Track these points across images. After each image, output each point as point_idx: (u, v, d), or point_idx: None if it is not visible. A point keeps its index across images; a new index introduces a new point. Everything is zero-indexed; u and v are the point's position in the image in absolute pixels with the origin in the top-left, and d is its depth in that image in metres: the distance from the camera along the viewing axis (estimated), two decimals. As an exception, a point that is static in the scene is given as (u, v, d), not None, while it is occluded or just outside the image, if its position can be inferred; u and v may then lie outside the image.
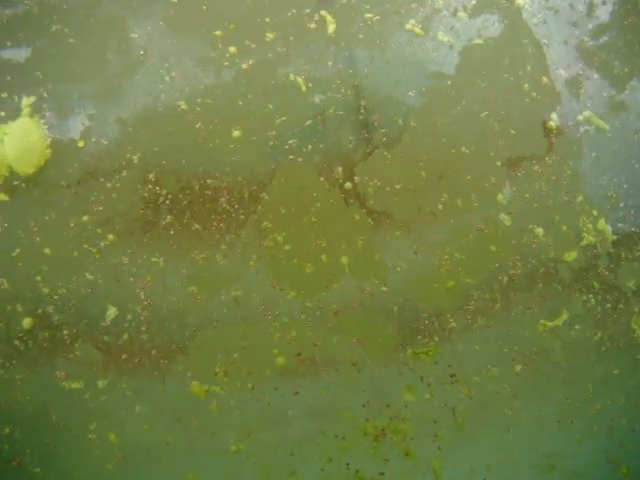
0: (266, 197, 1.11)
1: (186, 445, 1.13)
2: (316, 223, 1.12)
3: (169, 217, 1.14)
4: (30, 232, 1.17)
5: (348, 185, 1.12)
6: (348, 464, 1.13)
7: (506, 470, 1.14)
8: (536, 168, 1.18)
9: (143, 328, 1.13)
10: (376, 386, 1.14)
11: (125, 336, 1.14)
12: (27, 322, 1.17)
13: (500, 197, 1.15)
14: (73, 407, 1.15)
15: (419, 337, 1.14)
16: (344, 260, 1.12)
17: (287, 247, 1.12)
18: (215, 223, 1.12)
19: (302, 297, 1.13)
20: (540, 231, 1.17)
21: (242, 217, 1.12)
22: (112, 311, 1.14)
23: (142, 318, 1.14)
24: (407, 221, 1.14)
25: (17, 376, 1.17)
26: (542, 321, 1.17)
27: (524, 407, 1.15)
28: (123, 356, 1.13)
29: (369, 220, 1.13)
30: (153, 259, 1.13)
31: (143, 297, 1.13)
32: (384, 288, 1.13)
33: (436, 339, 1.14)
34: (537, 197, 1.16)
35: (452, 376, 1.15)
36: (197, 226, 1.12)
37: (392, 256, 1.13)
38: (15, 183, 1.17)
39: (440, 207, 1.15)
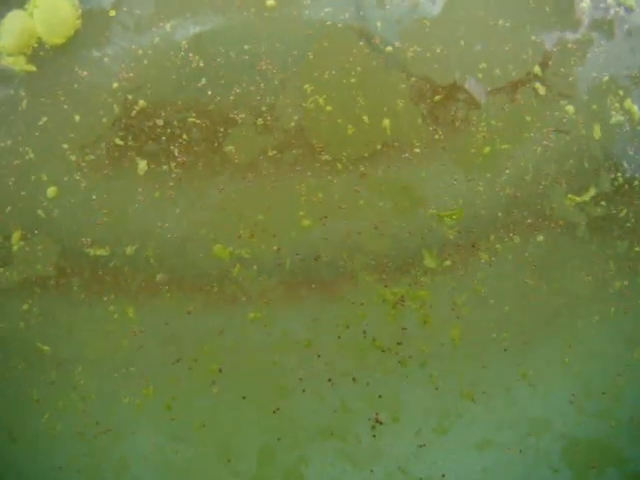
0: (310, 57, 1.10)
1: (205, 312, 1.07)
2: (357, 85, 1.11)
3: (204, 80, 1.12)
4: (58, 101, 1.14)
5: (389, 49, 1.12)
6: (365, 332, 1.08)
7: (524, 337, 1.09)
8: (570, 45, 1.19)
9: (171, 184, 1.10)
10: (398, 248, 1.10)
11: (157, 193, 1.10)
12: (52, 191, 1.13)
13: (537, 69, 1.16)
14: (95, 277, 1.09)
15: (446, 198, 1.11)
16: (386, 123, 1.11)
17: (329, 108, 1.11)
18: (254, 87, 1.11)
19: (336, 160, 1.10)
20: (571, 108, 1.17)
21: (281, 80, 1.10)
22: (142, 165, 1.10)
23: (173, 175, 1.10)
24: (446, 87, 1.14)
25: (39, 247, 1.11)
26: (570, 195, 1.16)
27: (544, 279, 1.12)
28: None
29: (409, 85, 1.12)
30: (190, 119, 1.10)
31: (177, 154, 1.10)
32: (417, 150, 1.11)
33: (460, 202, 1.11)
34: (570, 73, 1.17)
35: (473, 245, 1.12)
36: (236, 90, 1.11)
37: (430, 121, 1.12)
38: (42, 54, 1.14)
39: (480, 75, 1.15)
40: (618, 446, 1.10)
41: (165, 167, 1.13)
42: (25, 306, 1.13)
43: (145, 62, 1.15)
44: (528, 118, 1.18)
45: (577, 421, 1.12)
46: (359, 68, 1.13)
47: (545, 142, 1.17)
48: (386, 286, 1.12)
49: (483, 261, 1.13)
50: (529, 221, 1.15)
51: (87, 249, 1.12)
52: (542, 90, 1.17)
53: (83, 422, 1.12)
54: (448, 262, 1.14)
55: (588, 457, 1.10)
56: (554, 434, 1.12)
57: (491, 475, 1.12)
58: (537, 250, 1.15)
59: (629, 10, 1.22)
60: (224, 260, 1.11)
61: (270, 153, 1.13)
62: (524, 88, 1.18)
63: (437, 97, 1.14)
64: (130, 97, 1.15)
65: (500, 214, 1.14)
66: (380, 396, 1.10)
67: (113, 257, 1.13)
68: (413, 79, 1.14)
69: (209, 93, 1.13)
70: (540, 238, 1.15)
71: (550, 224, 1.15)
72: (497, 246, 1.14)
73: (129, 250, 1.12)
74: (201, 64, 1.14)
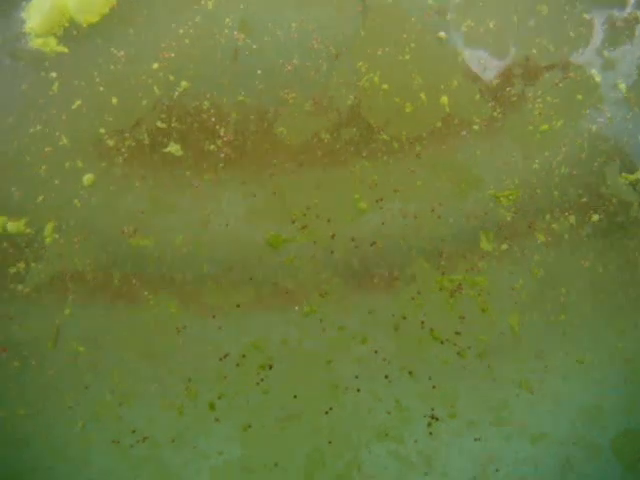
0: (362, 34, 1.05)
1: (255, 305, 1.01)
2: (411, 62, 1.06)
3: (250, 59, 1.07)
4: (93, 83, 1.07)
5: (442, 24, 1.08)
6: (423, 323, 1.02)
7: (581, 320, 1.05)
8: (618, 24, 1.17)
9: (221, 165, 1.03)
10: (454, 232, 1.05)
11: (205, 177, 1.04)
12: (88, 178, 1.05)
13: (588, 46, 1.13)
14: (136, 270, 1.02)
15: (503, 177, 1.07)
16: (444, 100, 1.07)
17: (384, 86, 1.06)
18: (305, 66, 1.06)
19: (393, 139, 1.05)
20: (623, 86, 1.15)
21: (333, 58, 1.05)
22: (175, 148, 1.04)
23: (222, 155, 1.04)
24: (501, 62, 1.10)
25: (75, 239, 1.03)
26: (623, 174, 1.13)
27: (600, 260, 1.08)
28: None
29: (463, 59, 1.09)
30: (239, 97, 1.04)
31: (222, 133, 1.04)
32: (475, 127, 1.07)
33: (516, 181, 1.08)
34: (619, 51, 1.15)
35: (530, 226, 1.08)
36: (288, 67, 1.05)
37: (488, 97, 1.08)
38: (75, 33, 1.07)
39: (534, 51, 1.11)
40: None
41: (212, 148, 1.06)
42: (59, 304, 1.05)
43: (187, 41, 1.09)
44: (580, 96, 1.15)
45: (628, 409, 1.07)
46: (413, 44, 1.09)
47: (600, 120, 1.14)
48: (444, 273, 1.07)
49: (539, 242, 1.09)
50: (584, 200, 1.12)
51: (129, 239, 1.04)
52: (595, 67, 1.15)
53: (119, 429, 1.03)
54: (505, 245, 1.09)
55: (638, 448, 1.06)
56: (605, 423, 1.08)
57: (542, 468, 1.06)
58: (592, 230, 1.11)
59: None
60: (277, 249, 1.05)
61: (324, 134, 1.07)
62: (576, 65, 1.15)
63: (492, 73, 1.10)
64: (172, 78, 1.08)
65: (556, 193, 1.10)
66: (437, 390, 1.04)
67: (157, 247, 1.05)
68: (467, 54, 1.10)
69: (258, 72, 1.07)
70: (595, 217, 1.12)
71: (605, 203, 1.12)
72: (553, 226, 1.10)
73: (176, 240, 1.05)
74: (249, 42, 1.08)
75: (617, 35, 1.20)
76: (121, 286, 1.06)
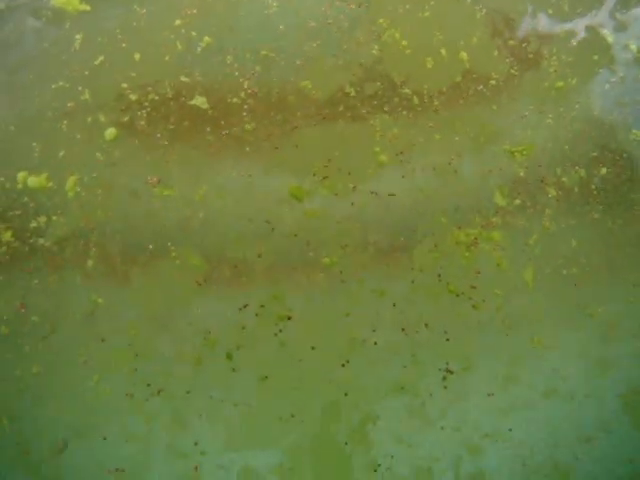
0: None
1: (276, 255, 1.02)
2: (431, 19, 1.08)
3: (275, 14, 1.08)
4: (115, 40, 1.09)
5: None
6: (440, 276, 1.04)
7: (593, 273, 1.07)
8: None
9: (245, 116, 1.05)
10: (470, 188, 1.07)
11: (226, 132, 1.05)
12: (110, 132, 1.07)
13: (606, 5, 1.15)
14: (160, 222, 1.03)
15: (518, 132, 1.09)
16: (463, 55, 1.08)
17: (405, 42, 1.08)
18: (329, 21, 1.07)
19: (415, 94, 1.07)
20: (635, 47, 1.17)
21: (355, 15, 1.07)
22: (201, 101, 1.05)
23: (246, 107, 1.05)
24: (518, 19, 1.12)
25: (98, 191, 1.05)
26: (634, 130, 1.15)
27: (609, 213, 1.10)
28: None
29: (482, 16, 1.11)
30: (263, 52, 1.06)
31: (246, 86, 1.06)
32: (492, 81, 1.09)
33: (530, 135, 1.10)
34: (636, 15, 1.17)
35: (542, 181, 1.09)
36: (311, 24, 1.07)
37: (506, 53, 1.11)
38: (99, -9, 1.09)
39: (550, 11, 1.14)
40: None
41: (236, 100, 1.08)
42: (82, 256, 1.06)
43: (209, -2, 1.11)
44: (595, 56, 1.17)
45: (638, 368, 1.09)
46: (433, 2, 1.11)
47: (613, 79, 1.16)
48: (460, 227, 1.09)
49: (551, 196, 1.10)
50: (594, 154, 1.14)
51: (153, 189, 1.06)
52: (607, 29, 1.17)
53: (134, 382, 1.04)
54: (518, 200, 1.11)
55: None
56: (617, 377, 1.09)
57: (554, 424, 1.08)
58: (602, 183, 1.13)
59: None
60: (299, 200, 1.06)
61: (348, 88, 1.09)
62: (590, 26, 1.17)
63: (510, 30, 1.12)
64: (194, 34, 1.10)
65: (567, 147, 1.12)
66: (452, 344, 1.05)
67: (180, 199, 1.07)
68: (485, 11, 1.12)
69: (281, 27, 1.09)
70: (604, 170, 1.13)
71: (615, 157, 1.14)
72: (563, 179, 1.12)
73: (199, 191, 1.07)
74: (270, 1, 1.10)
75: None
76: (142, 239, 1.07)
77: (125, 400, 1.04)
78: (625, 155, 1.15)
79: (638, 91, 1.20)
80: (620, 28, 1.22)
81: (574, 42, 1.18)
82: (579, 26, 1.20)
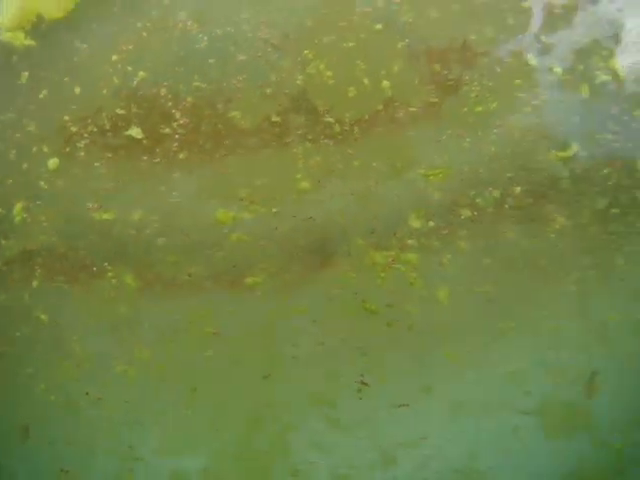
0: (309, 23, 1.13)
1: (205, 275, 1.10)
2: (355, 49, 1.14)
3: (204, 49, 1.15)
4: (59, 74, 1.17)
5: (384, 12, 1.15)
6: (356, 294, 1.10)
7: (505, 290, 1.12)
8: (556, 10, 1.22)
9: (176, 146, 1.12)
10: (387, 210, 1.14)
11: (159, 159, 1.13)
12: (53, 162, 1.16)
13: (530, 29, 1.19)
14: (98, 243, 1.12)
15: (435, 156, 1.14)
16: (386, 84, 1.14)
17: (329, 73, 1.14)
18: (256, 55, 1.14)
19: (337, 122, 1.13)
20: (559, 70, 1.20)
21: (282, 47, 1.13)
22: (135, 131, 1.13)
23: (177, 137, 1.13)
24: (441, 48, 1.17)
25: (42, 217, 1.14)
26: (554, 151, 1.18)
27: (524, 232, 1.15)
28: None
29: (405, 46, 1.16)
30: (195, 84, 1.13)
31: (179, 117, 1.13)
32: (412, 108, 1.14)
33: (446, 159, 1.14)
34: (556, 37, 1.20)
35: (455, 203, 1.14)
36: (240, 57, 1.13)
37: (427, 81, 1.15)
38: (42, 28, 1.17)
39: (472, 37, 1.18)
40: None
41: (169, 131, 1.15)
42: (28, 277, 1.16)
43: (144, 34, 1.18)
44: (516, 80, 1.21)
45: (553, 376, 1.14)
46: (357, 33, 1.16)
47: (534, 102, 1.20)
48: (376, 249, 1.15)
49: (464, 217, 1.16)
50: (509, 175, 1.18)
51: (93, 213, 1.15)
52: (531, 52, 1.20)
53: (76, 391, 1.14)
54: (432, 223, 1.16)
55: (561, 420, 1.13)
56: (529, 389, 1.15)
57: (468, 434, 1.14)
58: (516, 201, 1.18)
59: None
60: (226, 224, 1.14)
61: (274, 118, 1.15)
62: (514, 51, 1.21)
63: (432, 58, 1.17)
64: (130, 68, 1.18)
65: (481, 169, 1.17)
66: (367, 358, 1.12)
67: (118, 222, 1.15)
68: (408, 41, 1.17)
69: (211, 61, 1.16)
70: (518, 190, 1.17)
71: (530, 176, 1.18)
72: (477, 200, 1.16)
73: (134, 215, 1.15)
74: (200, 35, 1.17)
75: (555, 21, 1.25)
76: (84, 259, 1.16)
77: (67, 407, 1.14)
78: (545, 174, 1.19)
79: (561, 113, 1.23)
80: (545, 51, 1.26)
81: (497, 67, 1.22)
82: (503, 51, 1.24)
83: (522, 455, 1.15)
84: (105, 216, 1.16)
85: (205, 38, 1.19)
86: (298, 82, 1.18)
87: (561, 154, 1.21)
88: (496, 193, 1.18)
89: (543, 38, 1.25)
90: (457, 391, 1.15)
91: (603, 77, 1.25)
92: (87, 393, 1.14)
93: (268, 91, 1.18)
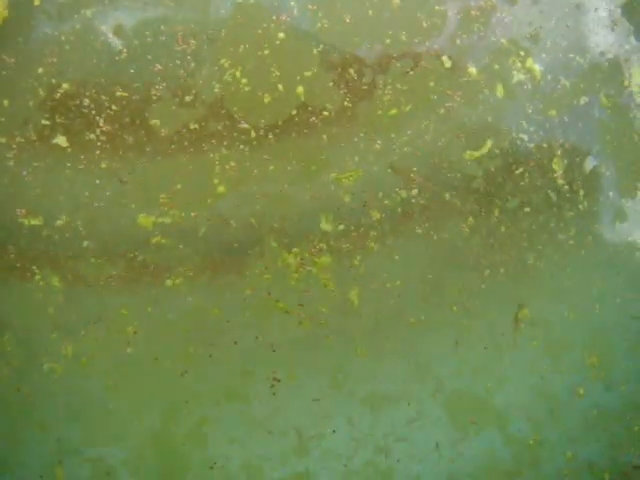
0: (225, 33, 1.17)
1: (126, 277, 1.15)
2: (270, 57, 1.17)
3: (124, 60, 1.20)
4: (-13, 88, 1.23)
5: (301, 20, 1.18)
6: (270, 294, 1.15)
7: (415, 284, 1.14)
8: (473, 12, 1.24)
9: (99, 153, 1.18)
10: (299, 213, 1.18)
11: (83, 166, 1.19)
12: None
13: (445, 32, 1.21)
14: (28, 247, 1.18)
15: (347, 159, 1.17)
16: (300, 90, 1.17)
17: (245, 80, 1.18)
18: (173, 65, 1.18)
19: (253, 128, 1.17)
20: (474, 70, 1.22)
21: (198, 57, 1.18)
22: (61, 140, 1.19)
23: (99, 144, 1.18)
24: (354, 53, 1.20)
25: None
26: (469, 151, 1.21)
27: (434, 228, 1.17)
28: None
29: (318, 53, 1.19)
30: (117, 93, 1.18)
31: (102, 124, 1.18)
32: (326, 112, 1.17)
33: (357, 161, 1.17)
34: (473, 38, 1.22)
35: (364, 205, 1.17)
36: (158, 67, 1.18)
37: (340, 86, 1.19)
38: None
39: (387, 41, 1.20)
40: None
41: (92, 137, 1.21)
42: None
43: (67, 47, 1.23)
44: (432, 83, 1.24)
45: (459, 370, 1.17)
46: (272, 41, 1.20)
47: (448, 104, 1.22)
48: (289, 251, 1.19)
49: (374, 219, 1.19)
50: (419, 175, 1.21)
51: (22, 219, 1.21)
52: (446, 54, 1.23)
53: (6, 389, 1.21)
54: (342, 226, 1.20)
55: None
56: (436, 380, 1.18)
57: (376, 427, 1.18)
58: (425, 201, 1.21)
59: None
60: (147, 228, 1.19)
61: (192, 126, 1.20)
62: (428, 55, 1.23)
63: (346, 63, 1.20)
64: (54, 81, 1.23)
65: (389, 170, 1.20)
66: (278, 355, 1.17)
67: (45, 227, 1.22)
68: (322, 47, 1.20)
69: (131, 72, 1.21)
70: (431, 189, 1.20)
71: (441, 176, 1.21)
72: (386, 202, 1.19)
73: (60, 220, 1.21)
74: (120, 46, 1.22)
75: (471, 23, 1.27)
76: (15, 262, 1.23)
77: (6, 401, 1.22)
78: (458, 174, 1.22)
79: (475, 112, 1.26)
80: (460, 52, 1.28)
81: (410, 71, 1.24)
82: (416, 54, 1.26)
83: (429, 445, 1.18)
84: (33, 221, 1.22)
85: (125, 50, 1.24)
86: (215, 90, 1.23)
87: (475, 154, 1.24)
88: (403, 193, 1.21)
89: (458, 40, 1.27)
90: (368, 385, 1.18)
91: (519, 77, 1.27)
92: (19, 389, 1.20)
93: (187, 99, 1.23)
